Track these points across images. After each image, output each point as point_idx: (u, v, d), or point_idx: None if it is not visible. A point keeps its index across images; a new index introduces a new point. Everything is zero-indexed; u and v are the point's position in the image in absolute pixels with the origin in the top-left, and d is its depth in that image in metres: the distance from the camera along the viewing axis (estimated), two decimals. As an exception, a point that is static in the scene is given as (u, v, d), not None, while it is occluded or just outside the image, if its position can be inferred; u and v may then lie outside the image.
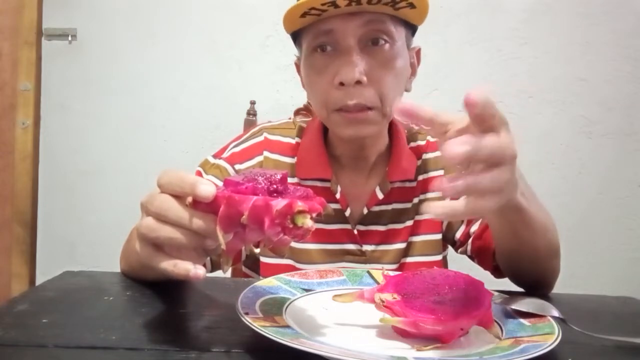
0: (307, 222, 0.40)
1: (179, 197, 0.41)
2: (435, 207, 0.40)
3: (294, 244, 0.78)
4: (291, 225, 0.39)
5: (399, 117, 0.43)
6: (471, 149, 0.38)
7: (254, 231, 0.40)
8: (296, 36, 0.77)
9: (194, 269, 0.40)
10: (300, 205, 0.39)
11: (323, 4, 0.65)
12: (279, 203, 0.39)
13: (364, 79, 0.68)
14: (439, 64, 1.93)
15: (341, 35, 0.69)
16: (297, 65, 0.83)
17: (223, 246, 0.39)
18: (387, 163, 0.81)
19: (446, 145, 0.38)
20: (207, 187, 0.39)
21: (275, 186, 0.41)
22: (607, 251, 1.96)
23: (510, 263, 0.69)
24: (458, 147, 0.38)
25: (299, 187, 0.43)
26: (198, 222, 0.40)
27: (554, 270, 0.67)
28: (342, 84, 0.69)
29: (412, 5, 0.68)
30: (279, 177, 0.42)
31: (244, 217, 0.39)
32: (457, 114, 0.45)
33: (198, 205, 0.40)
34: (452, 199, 0.42)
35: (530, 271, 0.66)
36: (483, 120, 0.41)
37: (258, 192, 0.41)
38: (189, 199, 0.40)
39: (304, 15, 0.68)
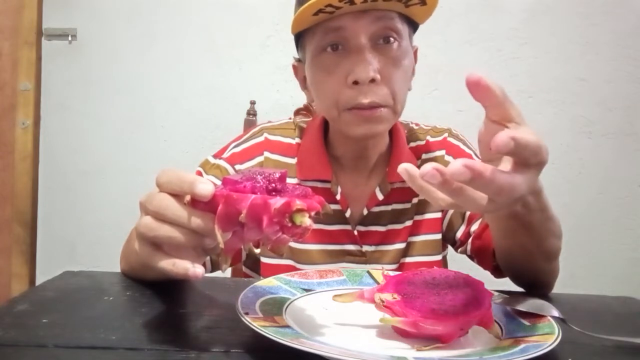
0: (306, 220, 0.39)
1: (177, 196, 0.41)
2: (431, 173, 0.38)
3: (294, 245, 0.79)
4: (290, 224, 0.39)
5: (469, 87, 0.41)
6: (517, 145, 0.38)
7: (252, 230, 0.40)
8: (298, 38, 0.77)
9: (193, 268, 0.40)
10: (298, 203, 0.39)
11: (340, 0, 0.64)
12: (277, 201, 0.39)
13: (378, 77, 0.68)
14: (439, 63, 1.93)
15: (352, 33, 0.69)
16: (295, 68, 0.82)
17: (221, 245, 0.39)
18: (387, 164, 0.81)
19: (497, 136, 0.37)
20: (206, 185, 0.39)
21: (273, 185, 0.41)
22: (607, 251, 1.96)
23: (508, 263, 0.69)
24: (507, 139, 0.37)
25: (297, 186, 0.43)
26: (196, 221, 0.40)
27: (553, 272, 0.67)
28: (356, 82, 0.69)
29: (423, 2, 0.68)
30: (277, 175, 0.42)
31: (242, 215, 0.38)
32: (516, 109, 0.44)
33: (197, 204, 0.40)
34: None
35: (529, 271, 0.66)
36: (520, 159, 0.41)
37: (257, 190, 0.40)
38: (187, 198, 0.40)
39: (317, 13, 0.67)
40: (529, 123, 0.44)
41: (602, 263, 1.96)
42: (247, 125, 1.25)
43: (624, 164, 1.96)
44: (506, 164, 0.42)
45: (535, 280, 0.67)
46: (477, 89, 0.41)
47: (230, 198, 0.39)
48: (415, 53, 0.80)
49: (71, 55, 2.01)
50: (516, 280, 0.70)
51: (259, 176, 0.42)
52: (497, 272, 0.75)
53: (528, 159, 0.40)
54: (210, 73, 1.99)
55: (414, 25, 0.76)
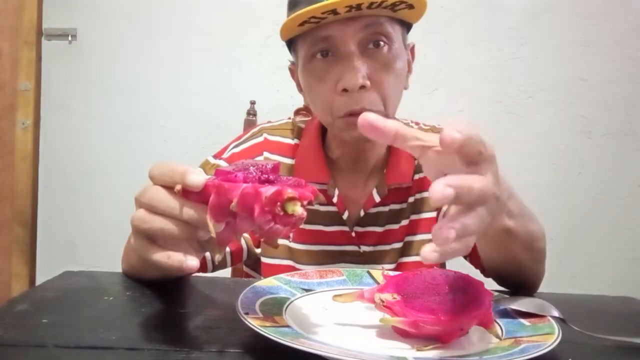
0: (298, 209, 0.39)
1: (170, 188, 0.41)
2: (426, 256, 0.37)
3: (293, 245, 0.79)
4: (282, 213, 0.39)
5: (363, 132, 0.40)
6: (457, 194, 0.36)
7: (244, 220, 0.40)
8: (291, 43, 0.76)
9: (186, 260, 0.40)
10: (290, 192, 0.39)
11: (323, 13, 0.64)
12: (268, 190, 0.38)
13: (368, 83, 0.68)
14: (439, 63, 1.93)
15: (340, 41, 0.69)
16: (292, 71, 0.82)
17: (213, 234, 0.39)
18: (384, 166, 0.81)
19: (431, 188, 0.36)
20: (197, 176, 0.39)
21: (266, 176, 0.41)
22: (607, 251, 1.96)
23: (496, 271, 0.68)
24: (444, 190, 0.35)
25: (290, 177, 0.43)
26: (189, 212, 0.40)
27: (539, 274, 0.67)
28: (345, 90, 0.68)
29: (410, 6, 0.68)
30: (270, 166, 0.42)
31: (233, 204, 0.38)
32: (432, 135, 0.42)
33: (189, 195, 0.40)
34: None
35: (515, 277, 0.66)
36: (467, 155, 0.39)
37: (249, 181, 0.40)
38: (178, 187, 0.40)
39: (302, 24, 0.67)
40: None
41: (602, 263, 1.96)
42: (247, 125, 1.25)
43: (624, 164, 1.96)
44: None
45: (519, 283, 0.66)
46: (371, 131, 0.40)
47: (221, 188, 0.39)
48: (412, 50, 0.80)
49: (71, 55, 2.01)
50: (503, 284, 0.70)
51: (251, 167, 0.42)
52: (486, 273, 0.75)
53: (471, 156, 0.39)
54: (210, 73, 1.99)
55: (407, 25, 0.75)
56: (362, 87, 0.68)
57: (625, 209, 1.97)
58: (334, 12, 0.65)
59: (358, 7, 0.65)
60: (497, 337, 0.45)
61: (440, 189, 0.35)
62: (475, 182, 0.38)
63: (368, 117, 0.39)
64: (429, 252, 0.37)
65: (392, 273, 0.58)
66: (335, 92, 0.70)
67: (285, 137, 0.84)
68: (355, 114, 0.69)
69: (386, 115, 0.71)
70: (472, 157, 0.39)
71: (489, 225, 0.41)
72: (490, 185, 0.39)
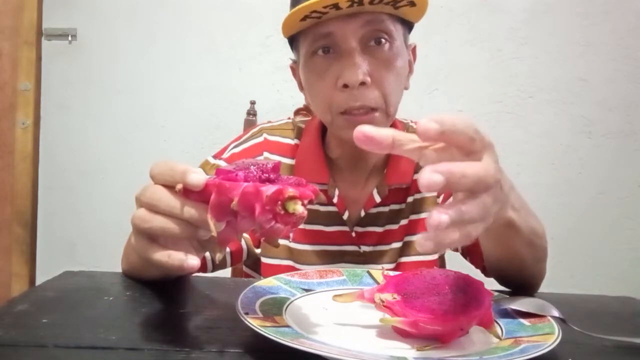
0: (298, 208, 0.39)
1: (171, 187, 0.41)
2: (421, 243, 0.36)
3: (293, 245, 0.79)
4: (282, 212, 0.39)
5: (360, 145, 0.39)
6: (448, 180, 0.34)
7: (245, 219, 0.40)
8: (293, 40, 0.76)
9: (187, 259, 0.40)
10: (290, 191, 0.39)
11: (325, 7, 0.64)
12: (269, 189, 0.39)
13: (368, 79, 0.68)
14: (439, 63, 1.93)
15: (341, 38, 0.69)
16: (293, 69, 0.82)
17: (214, 233, 0.39)
18: (385, 166, 0.81)
19: (420, 174, 0.34)
20: (197, 175, 0.39)
21: (267, 175, 0.41)
22: (607, 251, 1.96)
23: (498, 269, 0.68)
24: (430, 176, 0.34)
25: (291, 176, 0.43)
26: (190, 211, 0.40)
27: (540, 273, 0.67)
28: (345, 86, 0.68)
29: (412, 4, 0.68)
30: (270, 166, 0.42)
31: (233, 203, 0.38)
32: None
33: (190, 194, 0.40)
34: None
35: (517, 275, 0.65)
36: (458, 144, 0.38)
37: (249, 180, 0.40)
38: (179, 186, 0.40)
39: (304, 18, 0.67)
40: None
41: (602, 263, 1.96)
42: (247, 125, 1.25)
43: (624, 164, 1.96)
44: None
45: (521, 282, 0.66)
46: (367, 143, 0.39)
47: (222, 187, 0.39)
48: (413, 51, 0.80)
49: (71, 55, 2.01)
50: (502, 282, 0.70)
51: (252, 167, 0.42)
52: (487, 272, 0.75)
53: (462, 144, 0.38)
54: (210, 73, 1.99)
55: (408, 24, 0.75)
56: (362, 83, 0.68)
57: (625, 209, 1.97)
58: (335, 6, 0.64)
59: (360, 1, 0.64)
60: (497, 337, 0.45)
61: (426, 175, 0.34)
62: (468, 167, 0.36)
63: (363, 129, 0.38)
64: (423, 240, 0.36)
65: (392, 273, 0.58)
66: (335, 89, 0.70)
67: (285, 137, 0.84)
68: (355, 112, 0.69)
69: (387, 114, 0.71)
70: (464, 146, 0.38)
71: (496, 215, 0.40)
72: (490, 170, 0.38)
